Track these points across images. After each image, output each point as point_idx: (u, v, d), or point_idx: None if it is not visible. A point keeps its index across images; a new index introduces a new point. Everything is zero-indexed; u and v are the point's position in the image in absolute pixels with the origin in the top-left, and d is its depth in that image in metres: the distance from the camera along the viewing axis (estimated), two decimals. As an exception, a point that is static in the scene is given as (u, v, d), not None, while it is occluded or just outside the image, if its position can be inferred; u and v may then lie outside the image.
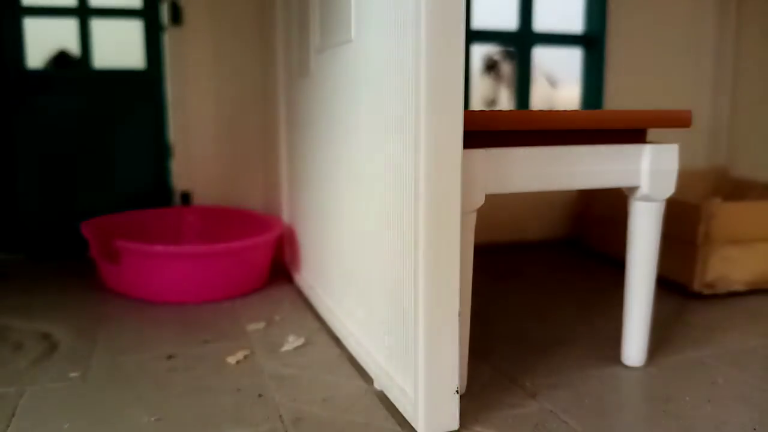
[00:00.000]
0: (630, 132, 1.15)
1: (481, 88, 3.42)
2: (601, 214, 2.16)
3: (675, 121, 1.16)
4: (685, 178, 2.25)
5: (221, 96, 2.14)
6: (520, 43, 2.35)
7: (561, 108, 2.05)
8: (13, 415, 1.02)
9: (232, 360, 1.24)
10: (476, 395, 1.10)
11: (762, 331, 1.45)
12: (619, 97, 2.41)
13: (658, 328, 1.44)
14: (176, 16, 2.07)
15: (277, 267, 1.88)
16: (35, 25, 2.07)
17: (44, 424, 0.99)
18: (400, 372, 1.02)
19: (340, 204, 1.32)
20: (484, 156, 1.00)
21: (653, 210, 1.17)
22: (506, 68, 3.35)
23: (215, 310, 1.57)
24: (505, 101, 3.44)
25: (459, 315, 0.94)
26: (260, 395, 1.09)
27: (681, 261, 1.72)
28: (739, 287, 1.70)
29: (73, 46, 2.24)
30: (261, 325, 1.45)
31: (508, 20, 2.34)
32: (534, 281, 1.87)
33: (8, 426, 0.98)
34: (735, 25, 2.51)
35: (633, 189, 1.17)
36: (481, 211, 1.02)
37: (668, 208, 1.21)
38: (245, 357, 1.26)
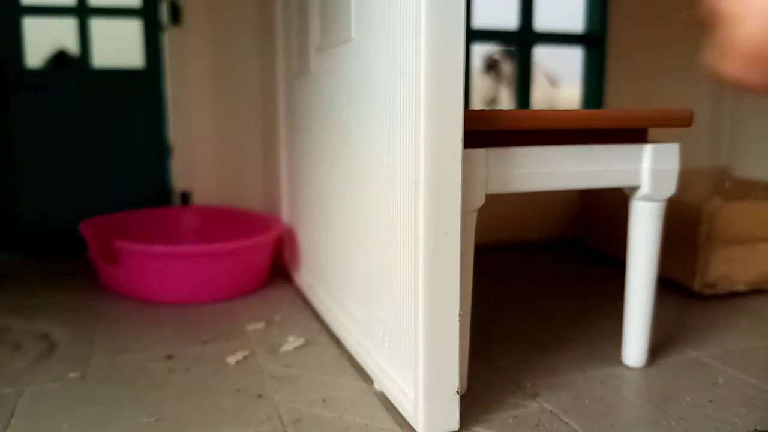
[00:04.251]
0: (631, 131, 1.15)
1: (482, 87, 3.42)
2: (602, 214, 2.16)
3: (676, 120, 1.16)
4: (685, 177, 2.25)
5: (221, 96, 2.13)
6: (520, 42, 2.34)
7: (561, 107, 2.04)
8: (12, 415, 1.01)
9: (231, 360, 1.24)
10: (477, 396, 1.09)
11: (763, 331, 1.44)
12: (620, 97, 2.41)
13: (659, 329, 1.44)
14: (175, 16, 2.07)
15: (276, 267, 1.88)
16: (34, 24, 2.07)
17: (43, 424, 0.99)
18: (400, 372, 1.02)
19: (340, 204, 1.32)
20: (485, 156, 1.00)
21: (654, 210, 1.17)
22: (506, 68, 3.35)
23: (215, 310, 1.56)
24: (506, 101, 3.44)
25: (459, 315, 0.94)
26: (260, 396, 1.09)
27: (682, 261, 1.71)
28: (740, 287, 1.70)
29: (73, 46, 2.23)
30: (261, 325, 1.45)
31: (508, 19, 2.34)
32: (534, 281, 1.87)
33: (7, 426, 0.98)
34: (735, 24, 2.50)
35: (634, 189, 1.17)
36: (481, 211, 1.02)
37: (669, 208, 1.20)
38: (245, 357, 1.26)
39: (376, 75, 1.05)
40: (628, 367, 1.23)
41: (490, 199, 1.02)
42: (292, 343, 1.33)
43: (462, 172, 0.91)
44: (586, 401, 1.08)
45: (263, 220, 1.94)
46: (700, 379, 1.18)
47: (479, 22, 2.31)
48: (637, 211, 1.18)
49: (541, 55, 2.62)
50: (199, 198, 2.16)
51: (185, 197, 2.16)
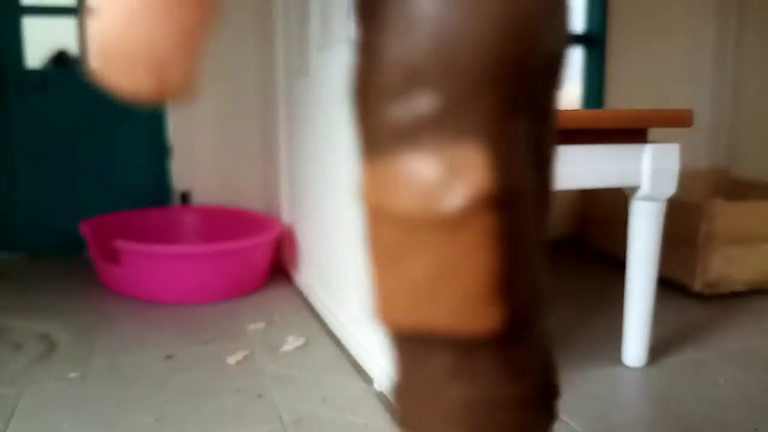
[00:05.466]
0: (631, 131, 1.15)
1: (482, 87, 3.41)
2: (602, 214, 2.16)
3: (676, 120, 1.16)
4: (685, 178, 2.25)
5: (221, 96, 2.13)
6: (520, 42, 2.34)
7: (561, 107, 2.04)
8: (12, 415, 1.01)
9: (232, 360, 1.24)
10: (477, 396, 1.09)
11: (763, 331, 1.44)
12: (620, 97, 2.41)
13: (659, 329, 1.43)
14: (176, 16, 2.06)
15: (276, 267, 1.88)
16: (34, 24, 2.07)
17: (43, 424, 0.99)
18: (401, 372, 1.02)
19: (340, 204, 1.32)
20: (485, 156, 1.00)
21: (654, 210, 1.17)
22: (506, 68, 3.34)
23: (215, 311, 1.56)
24: (506, 101, 3.42)
25: (459, 315, 0.94)
26: (260, 396, 1.09)
27: (682, 261, 1.71)
28: (740, 287, 1.70)
29: (73, 46, 2.23)
30: (261, 325, 1.45)
31: (508, 20, 2.33)
32: (534, 281, 1.86)
33: (7, 426, 0.98)
34: (736, 25, 2.51)
35: (634, 189, 1.17)
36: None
37: (669, 208, 1.20)
38: (245, 357, 1.26)
39: (376, 75, 1.05)
40: (628, 367, 1.23)
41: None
42: (292, 343, 1.33)
43: (462, 172, 0.91)
44: (586, 401, 1.08)
45: (263, 220, 1.94)
46: (700, 379, 1.18)
47: (479, 22, 2.31)
48: (637, 211, 1.18)
49: (541, 55, 2.62)
50: (199, 198, 2.16)
51: (185, 197, 2.16)
